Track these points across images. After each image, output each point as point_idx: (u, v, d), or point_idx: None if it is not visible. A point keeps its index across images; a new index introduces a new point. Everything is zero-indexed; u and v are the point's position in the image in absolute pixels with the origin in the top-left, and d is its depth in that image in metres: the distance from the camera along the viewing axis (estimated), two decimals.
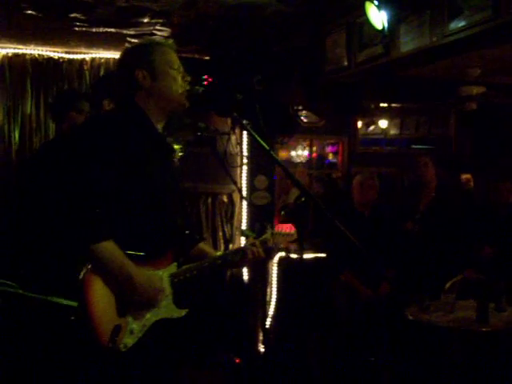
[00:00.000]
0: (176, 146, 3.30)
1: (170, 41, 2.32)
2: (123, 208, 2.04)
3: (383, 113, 6.30)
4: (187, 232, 2.37)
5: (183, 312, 2.18)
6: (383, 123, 6.32)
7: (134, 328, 2.02)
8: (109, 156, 1.99)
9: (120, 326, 1.96)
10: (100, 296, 1.97)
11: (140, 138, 2.11)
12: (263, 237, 2.41)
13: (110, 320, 1.97)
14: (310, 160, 5.80)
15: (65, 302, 2.41)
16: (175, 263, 2.20)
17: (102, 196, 1.96)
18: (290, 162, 5.89)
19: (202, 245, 2.47)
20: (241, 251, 2.34)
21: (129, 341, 1.99)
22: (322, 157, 6.35)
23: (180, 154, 3.32)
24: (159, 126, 2.22)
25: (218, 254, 2.42)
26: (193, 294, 2.32)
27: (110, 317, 1.98)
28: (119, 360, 1.98)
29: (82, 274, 1.96)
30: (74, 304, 1.98)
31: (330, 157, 6.38)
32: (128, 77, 2.16)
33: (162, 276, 2.13)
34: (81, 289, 1.95)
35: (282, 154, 5.61)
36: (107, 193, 1.98)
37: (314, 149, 5.89)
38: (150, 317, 2.07)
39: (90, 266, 1.97)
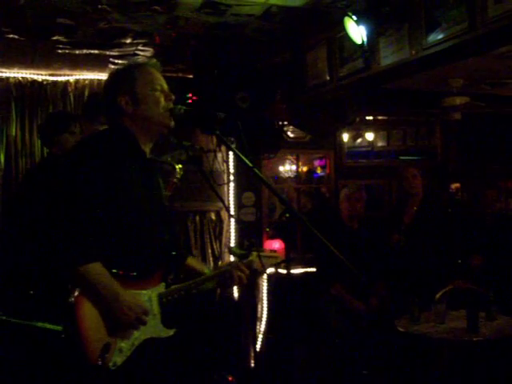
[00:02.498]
0: (177, 166, 3.30)
1: (153, 60, 2.32)
2: (110, 229, 2.06)
3: (369, 125, 6.33)
4: (174, 253, 2.37)
5: (171, 332, 2.19)
6: (370, 136, 6.33)
7: (123, 347, 2.04)
8: (96, 179, 2.02)
9: (109, 344, 1.99)
10: (90, 316, 1.99)
11: (127, 160, 2.14)
12: (248, 259, 2.40)
13: (100, 339, 1.98)
14: (298, 175, 5.81)
15: (49, 326, 2.40)
16: (163, 283, 2.21)
17: (90, 218, 2.00)
18: (278, 177, 5.90)
19: (190, 261, 2.48)
20: (226, 273, 2.33)
21: (118, 359, 2.01)
22: (310, 171, 6.37)
23: (180, 174, 3.32)
24: (147, 149, 2.25)
25: (206, 271, 2.41)
26: (184, 312, 2.32)
27: (100, 336, 1.99)
28: (109, 378, 1.98)
29: (72, 295, 1.98)
30: (59, 328, 1.98)
31: (319, 171, 6.39)
32: (112, 103, 2.19)
33: (151, 295, 2.15)
34: (71, 309, 1.96)
35: (270, 170, 5.61)
36: (95, 215, 2.01)
37: (301, 163, 5.91)
38: (139, 336, 2.08)
39: (79, 289, 1.99)
